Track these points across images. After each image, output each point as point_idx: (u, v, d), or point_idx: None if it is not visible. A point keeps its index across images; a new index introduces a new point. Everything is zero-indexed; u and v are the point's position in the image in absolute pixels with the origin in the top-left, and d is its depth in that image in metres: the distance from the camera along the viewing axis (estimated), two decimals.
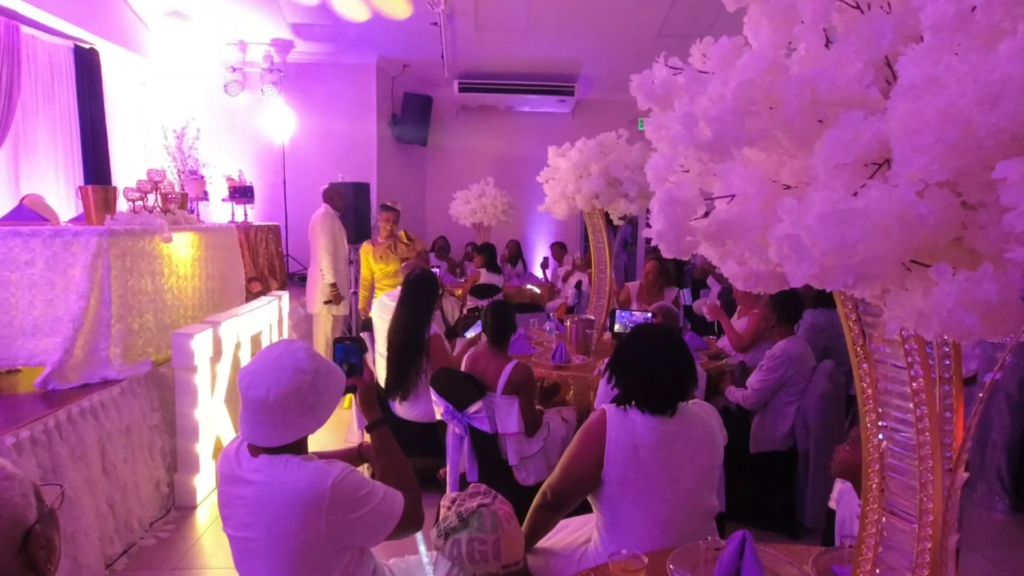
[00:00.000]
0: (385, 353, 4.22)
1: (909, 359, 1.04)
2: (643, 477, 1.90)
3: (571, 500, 2.07)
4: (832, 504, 2.42)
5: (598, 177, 4.11)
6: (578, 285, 6.94)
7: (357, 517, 1.61)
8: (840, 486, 2.34)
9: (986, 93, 0.70)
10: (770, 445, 3.57)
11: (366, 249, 5.52)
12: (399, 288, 4.42)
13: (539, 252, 9.72)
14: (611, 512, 1.95)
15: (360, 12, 6.88)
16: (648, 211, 4.49)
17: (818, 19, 0.97)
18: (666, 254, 1.07)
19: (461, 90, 8.56)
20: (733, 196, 0.99)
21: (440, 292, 4.08)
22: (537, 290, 7.71)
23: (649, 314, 3.52)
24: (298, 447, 1.66)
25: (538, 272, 8.78)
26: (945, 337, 0.84)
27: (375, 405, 1.93)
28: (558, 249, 8.47)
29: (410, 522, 1.75)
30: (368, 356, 4.26)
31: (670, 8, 7.03)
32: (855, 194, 0.79)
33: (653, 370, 1.97)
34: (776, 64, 0.91)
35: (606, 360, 3.37)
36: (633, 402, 1.98)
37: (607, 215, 4.48)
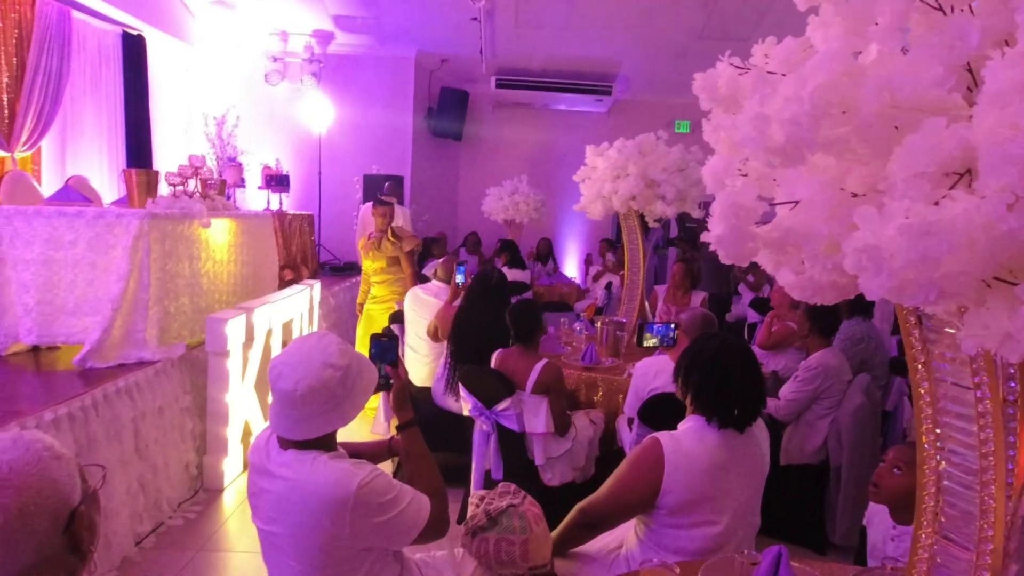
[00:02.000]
0: (416, 347, 4.23)
1: (976, 379, 1.00)
2: (698, 500, 1.86)
3: (616, 523, 2.03)
4: (865, 522, 2.36)
5: (636, 178, 4.07)
6: (608, 286, 6.89)
7: (382, 522, 1.58)
8: (874, 504, 2.27)
9: None
10: (801, 458, 3.49)
11: (361, 243, 5.43)
12: (434, 282, 4.43)
13: (570, 251, 9.67)
14: (658, 527, 1.92)
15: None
16: (677, 216, 4.37)
17: (896, 19, 0.93)
18: (724, 260, 1.04)
19: (498, 86, 8.54)
20: (797, 202, 0.96)
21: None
22: (566, 289, 7.67)
23: (673, 326, 3.42)
24: (326, 442, 1.64)
25: (571, 270, 8.72)
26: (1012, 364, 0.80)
27: (407, 405, 1.88)
28: (606, 245, 8.22)
29: (435, 528, 1.72)
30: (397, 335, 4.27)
31: (711, 10, 6.94)
32: (937, 204, 0.75)
33: (729, 378, 1.91)
34: (851, 66, 0.88)
35: (634, 365, 3.36)
36: (697, 411, 1.94)
37: (642, 217, 4.44)
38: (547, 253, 8.52)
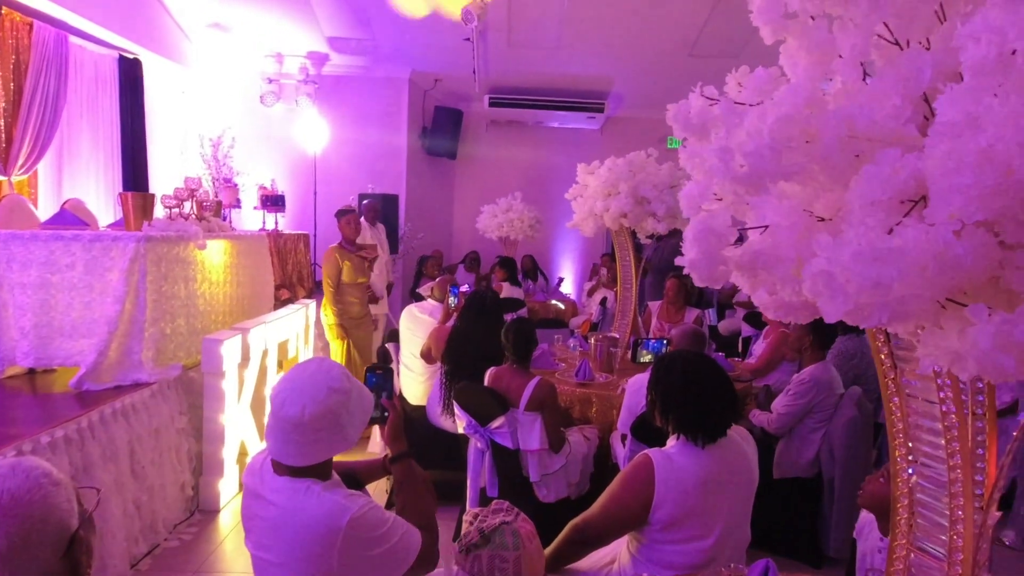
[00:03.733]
0: (411, 365, 4.26)
1: (941, 394, 1.04)
2: (689, 514, 1.89)
3: (609, 539, 2.06)
4: (856, 535, 2.38)
5: (627, 196, 4.12)
6: (603, 302, 6.92)
7: (371, 555, 1.59)
8: (864, 517, 2.30)
9: None
10: (794, 471, 3.52)
11: (338, 255, 5.09)
12: (429, 301, 4.47)
13: (565, 266, 9.72)
14: (649, 542, 1.94)
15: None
16: (663, 235, 4.37)
17: (856, 54, 0.98)
18: (698, 282, 1.08)
19: (491, 105, 8.63)
20: (766, 227, 1.00)
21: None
22: (562, 306, 7.70)
23: (666, 342, 3.45)
24: (322, 469, 1.64)
25: (566, 286, 8.75)
26: (980, 378, 0.84)
27: (402, 437, 1.88)
28: (608, 260, 8.34)
29: (425, 562, 1.72)
30: (392, 366, 4.29)
31: (702, 28, 7.04)
32: (891, 232, 0.79)
33: (702, 398, 1.95)
34: (813, 99, 0.92)
35: (629, 380, 3.40)
36: (683, 436, 1.97)
37: (634, 233, 4.49)
38: (533, 269, 8.57)
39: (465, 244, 9.08)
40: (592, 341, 4.36)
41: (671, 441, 2.03)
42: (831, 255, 0.81)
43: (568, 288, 9.33)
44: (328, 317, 5.12)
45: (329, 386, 1.57)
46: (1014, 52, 0.75)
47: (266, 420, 1.67)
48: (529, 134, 9.43)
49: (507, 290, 6.88)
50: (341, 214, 5.24)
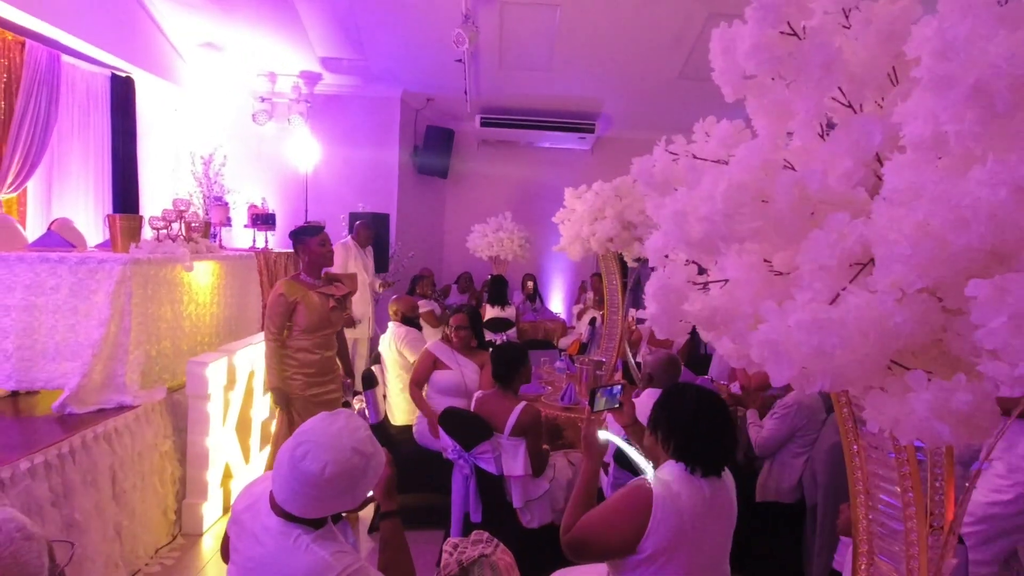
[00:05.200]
0: (396, 385, 4.26)
1: (895, 443, 1.06)
2: (676, 547, 1.89)
3: (589, 558, 2.05)
4: (836, 565, 2.40)
5: (613, 221, 4.15)
6: (592, 322, 6.94)
7: None
8: (844, 546, 2.31)
9: (958, 216, 0.73)
10: (777, 496, 3.53)
11: (290, 293, 3.49)
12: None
13: (555, 286, 9.75)
14: (628, 573, 1.94)
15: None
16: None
17: (811, 116, 1.01)
18: (660, 335, 1.10)
19: (483, 125, 8.69)
20: (726, 281, 1.03)
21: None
22: (551, 326, 7.72)
23: (619, 387, 3.28)
24: (319, 519, 1.64)
25: (555, 306, 8.75)
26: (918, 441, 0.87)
27: (395, 495, 1.88)
28: (597, 280, 8.33)
29: None
30: (378, 390, 4.29)
31: (691, 50, 7.13)
32: (834, 299, 0.82)
33: (709, 431, 1.95)
34: (769, 161, 0.95)
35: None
36: (682, 463, 1.97)
37: (621, 257, 4.52)
38: (533, 291, 8.54)
39: (456, 263, 9.09)
40: (577, 364, 4.38)
41: (666, 469, 2.01)
42: (775, 323, 0.83)
43: (558, 307, 9.36)
44: (270, 378, 3.54)
45: (354, 447, 1.57)
46: (946, 132, 0.79)
47: (273, 458, 1.66)
48: (520, 154, 9.49)
49: (490, 311, 6.89)
50: (304, 233, 3.62)
